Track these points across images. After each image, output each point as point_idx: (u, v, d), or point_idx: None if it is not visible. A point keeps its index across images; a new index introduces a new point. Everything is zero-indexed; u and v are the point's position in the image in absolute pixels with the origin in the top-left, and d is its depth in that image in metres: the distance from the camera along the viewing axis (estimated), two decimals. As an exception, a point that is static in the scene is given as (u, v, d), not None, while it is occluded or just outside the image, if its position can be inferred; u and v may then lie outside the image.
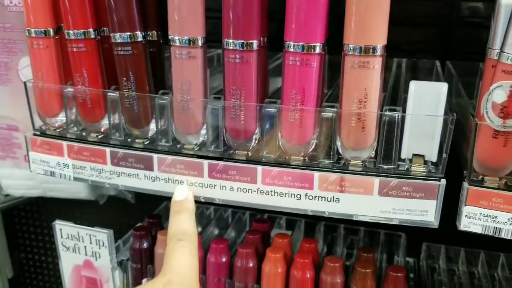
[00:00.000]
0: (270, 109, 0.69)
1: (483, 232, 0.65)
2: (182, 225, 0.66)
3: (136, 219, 1.11)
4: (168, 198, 1.07)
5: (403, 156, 0.68)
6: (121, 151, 0.75)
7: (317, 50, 0.65)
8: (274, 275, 0.77)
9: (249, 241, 0.83)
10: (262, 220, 0.93)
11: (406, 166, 0.67)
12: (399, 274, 0.74)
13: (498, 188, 0.64)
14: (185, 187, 0.68)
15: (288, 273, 0.78)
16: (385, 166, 0.68)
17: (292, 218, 1.11)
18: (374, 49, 0.63)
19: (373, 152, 0.68)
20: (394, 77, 0.90)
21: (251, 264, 0.79)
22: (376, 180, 0.66)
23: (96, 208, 1.30)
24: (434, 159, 0.67)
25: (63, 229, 0.85)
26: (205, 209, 1.21)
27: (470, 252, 1.02)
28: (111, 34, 0.72)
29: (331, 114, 0.67)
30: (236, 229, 1.09)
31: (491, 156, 0.64)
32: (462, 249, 1.03)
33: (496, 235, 0.65)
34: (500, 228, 0.64)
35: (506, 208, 0.63)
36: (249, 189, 0.70)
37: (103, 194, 1.24)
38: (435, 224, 0.66)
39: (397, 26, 1.04)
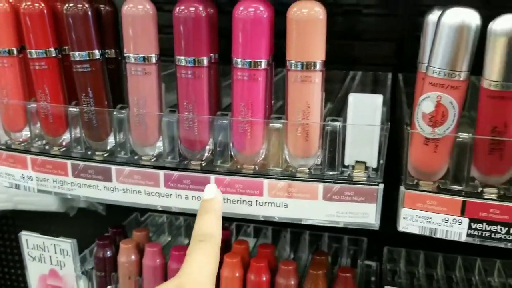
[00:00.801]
0: (221, 121, 0.73)
1: (420, 233, 0.70)
2: (206, 225, 0.64)
3: (107, 230, 1.14)
4: (132, 209, 1.10)
5: (346, 163, 0.72)
6: (82, 163, 0.79)
7: (263, 66, 0.70)
8: (232, 279, 0.81)
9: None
10: (223, 228, 0.96)
11: (349, 172, 0.72)
12: (347, 274, 0.78)
13: (431, 191, 0.69)
14: (213, 187, 0.66)
15: (246, 278, 0.82)
16: (330, 173, 0.72)
17: (259, 226, 1.15)
18: (314, 64, 0.68)
19: (319, 159, 0.73)
20: (346, 89, 0.95)
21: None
22: (320, 186, 0.71)
23: (69, 220, 1.33)
24: (375, 165, 0.72)
25: (29, 240, 0.88)
26: (174, 219, 1.24)
27: (430, 255, 1.07)
28: (70, 53, 0.76)
29: (278, 125, 0.72)
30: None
31: (423, 161, 0.69)
32: (422, 252, 1.07)
33: (433, 236, 0.70)
34: (435, 228, 0.69)
35: (439, 210, 0.68)
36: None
37: (73, 206, 1.27)
38: (376, 226, 0.71)
39: (356, 41, 1.11)
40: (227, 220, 1.13)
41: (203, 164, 0.75)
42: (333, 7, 1.08)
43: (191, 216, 1.20)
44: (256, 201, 0.73)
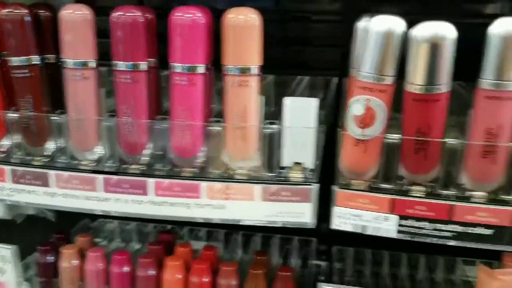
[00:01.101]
0: (160, 126, 0.74)
1: (353, 231, 0.73)
2: None
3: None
4: (83, 215, 1.09)
5: (284, 164, 0.75)
6: (21, 168, 0.78)
7: (200, 70, 0.71)
8: (174, 281, 0.82)
9: (151, 251, 0.88)
10: (168, 231, 0.97)
11: (286, 173, 0.74)
12: (286, 273, 0.80)
13: (362, 190, 0.72)
14: None
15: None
16: (268, 174, 0.74)
17: (211, 230, 1.16)
18: (251, 69, 0.70)
19: (257, 161, 0.75)
20: (292, 93, 0.97)
21: (151, 273, 0.83)
22: (258, 187, 0.73)
23: (16, 227, 1.30)
24: (311, 166, 0.74)
25: (-31, 248, 0.87)
26: (124, 225, 1.24)
27: (377, 253, 1.10)
28: (9, 58, 0.76)
29: (217, 128, 0.73)
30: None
31: (354, 161, 0.71)
32: (369, 250, 1.10)
33: (364, 233, 0.72)
34: (366, 226, 0.72)
35: (370, 208, 0.71)
36: (141, 201, 0.75)
37: (21, 213, 1.24)
38: (312, 225, 0.74)
39: (306, 46, 1.14)
40: (178, 224, 1.13)
41: (143, 168, 0.76)
42: (283, 14, 1.11)
43: (142, 221, 1.20)
44: (194, 204, 0.74)
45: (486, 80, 0.64)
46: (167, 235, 0.95)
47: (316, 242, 1.13)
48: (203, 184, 0.73)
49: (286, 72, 1.02)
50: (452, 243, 0.70)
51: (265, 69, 1.02)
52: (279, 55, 1.13)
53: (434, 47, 0.63)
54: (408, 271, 1.06)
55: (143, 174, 0.75)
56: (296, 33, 1.13)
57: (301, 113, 0.72)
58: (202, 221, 0.75)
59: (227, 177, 0.74)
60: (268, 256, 0.87)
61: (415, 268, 1.08)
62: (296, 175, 0.74)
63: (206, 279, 0.81)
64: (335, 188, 0.72)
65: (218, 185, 0.73)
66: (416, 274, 1.07)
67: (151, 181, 0.74)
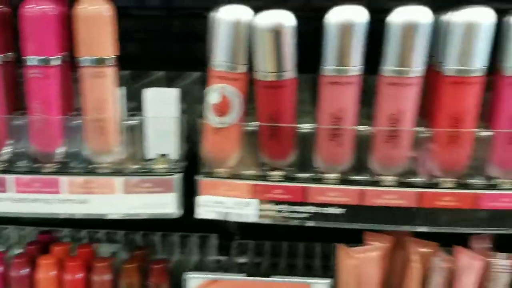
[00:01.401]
0: (17, 121, 0.73)
1: (217, 218, 0.74)
2: None
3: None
4: None
5: (149, 156, 0.75)
6: None
7: (54, 63, 0.70)
8: (47, 279, 0.80)
9: (28, 251, 0.86)
10: (47, 232, 0.96)
11: (151, 165, 0.74)
12: (159, 266, 0.81)
13: (224, 177, 0.73)
14: None
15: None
16: (133, 166, 0.74)
17: (112, 231, 1.14)
18: (105, 60, 0.70)
19: (120, 154, 0.75)
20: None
21: (24, 272, 0.81)
22: (119, 180, 0.73)
23: None
24: (175, 157, 0.75)
25: None
26: (20, 230, 1.20)
27: (276, 245, 1.12)
28: None
29: (75, 122, 0.73)
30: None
31: (216, 149, 0.72)
32: (268, 242, 1.12)
33: (228, 219, 0.74)
34: (229, 212, 0.73)
35: (231, 194, 0.72)
36: (1, 198, 0.73)
37: None
38: (176, 215, 0.74)
39: (198, 42, 1.14)
40: (76, 228, 1.11)
41: (3, 165, 0.74)
42: (173, 11, 1.10)
43: (40, 226, 1.17)
44: (55, 199, 0.73)
45: (327, 67, 0.66)
46: (46, 235, 0.93)
47: (217, 238, 1.14)
48: (63, 179, 0.72)
49: (176, 68, 1.02)
50: (310, 223, 0.72)
51: (156, 65, 1.02)
52: (169, 52, 1.13)
53: (274, 34, 0.64)
54: (304, 260, 1.08)
55: (2, 171, 0.73)
56: (188, 30, 1.13)
57: (162, 103, 0.73)
58: (66, 216, 0.74)
59: (88, 171, 0.73)
60: (147, 250, 0.87)
61: (312, 256, 1.10)
62: (160, 167, 0.74)
63: (79, 276, 0.80)
64: (198, 177, 0.73)
65: (79, 179, 0.72)
66: (311, 262, 1.10)
67: (10, 178, 0.73)
